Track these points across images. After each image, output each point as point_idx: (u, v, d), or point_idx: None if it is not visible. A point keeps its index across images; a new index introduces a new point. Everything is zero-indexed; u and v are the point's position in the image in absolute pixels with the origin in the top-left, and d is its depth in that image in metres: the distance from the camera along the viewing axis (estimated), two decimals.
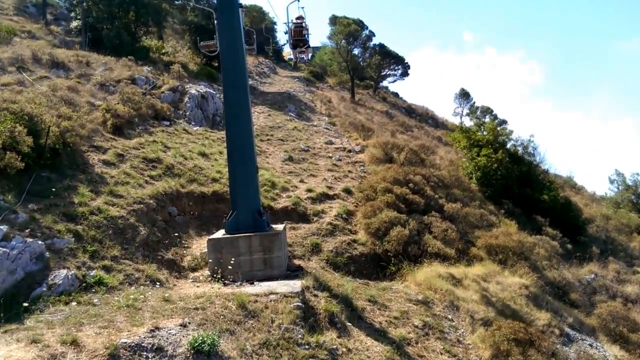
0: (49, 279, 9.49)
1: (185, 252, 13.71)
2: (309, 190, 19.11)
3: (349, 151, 25.56)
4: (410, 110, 59.69)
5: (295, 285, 10.93)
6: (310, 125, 30.33)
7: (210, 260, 12.64)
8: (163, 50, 36.28)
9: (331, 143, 26.44)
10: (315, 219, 17.33)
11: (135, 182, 14.90)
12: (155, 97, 24.79)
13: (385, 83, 64.53)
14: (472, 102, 60.53)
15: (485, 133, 25.15)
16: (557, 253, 19.28)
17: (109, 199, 13.20)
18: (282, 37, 71.89)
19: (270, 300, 9.75)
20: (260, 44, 59.29)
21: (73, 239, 10.98)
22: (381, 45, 56.60)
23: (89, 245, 11.19)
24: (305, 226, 16.85)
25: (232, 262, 12.32)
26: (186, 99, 25.66)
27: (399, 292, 13.40)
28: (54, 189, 12.36)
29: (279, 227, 14.37)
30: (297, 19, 28.26)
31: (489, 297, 13.45)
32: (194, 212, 16.02)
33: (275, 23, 62.42)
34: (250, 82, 44.33)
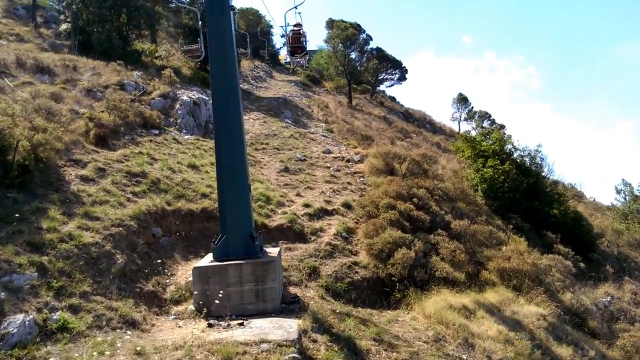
0: (1, 327, 7.93)
1: (168, 281, 12.16)
2: (306, 205, 17.61)
3: (348, 161, 24.07)
4: (408, 115, 58.28)
5: (291, 328, 9.41)
6: (307, 132, 28.84)
7: (196, 293, 11.11)
8: (156, 54, 34.73)
9: (329, 152, 24.94)
10: (312, 238, 15.82)
11: (116, 201, 13.35)
12: (144, 104, 23.24)
13: (382, 87, 63.24)
14: (471, 107, 59.14)
15: (490, 143, 23.69)
16: (570, 273, 17.83)
17: (83, 222, 11.64)
18: (278, 41, 70.46)
19: (262, 352, 8.21)
20: (256, 47, 57.87)
21: (36, 273, 9.41)
22: (378, 49, 55.16)
23: (55, 281, 9.63)
24: (302, 246, 15.34)
25: (220, 294, 10.82)
26: (177, 106, 24.11)
27: (406, 327, 11.91)
28: (18, 214, 10.79)
29: (274, 251, 12.87)
30: (294, 26, 27.34)
31: (506, 332, 11.96)
32: (181, 232, 14.47)
33: (271, 26, 60.90)
34: (246, 86, 42.83)
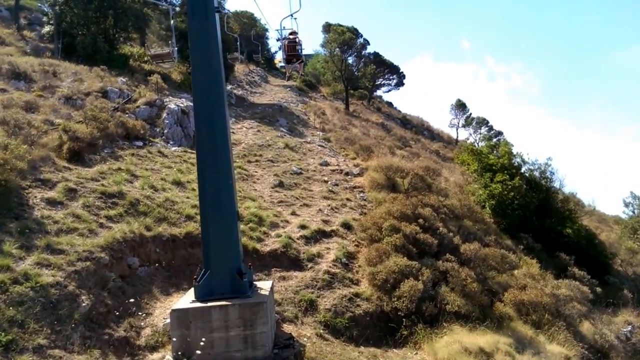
0: None
1: (143, 323, 10.49)
2: (302, 227, 15.98)
3: (347, 174, 22.46)
4: (406, 122, 56.79)
5: None
6: (303, 142, 27.21)
7: (175, 339, 9.48)
8: (145, 58, 33.07)
9: (326, 164, 23.31)
10: (309, 265, 14.20)
11: (86, 228, 11.68)
12: (129, 113, 21.57)
13: (379, 92, 61.70)
14: (469, 113, 57.69)
15: (498, 156, 22.11)
16: (587, 300, 16.29)
17: (44, 257, 9.98)
18: (274, 45, 68.87)
19: None
20: (251, 51, 56.22)
21: None
22: (376, 54, 53.62)
23: (4, 334, 7.99)
24: (297, 275, 13.72)
25: (202, 341, 9.21)
26: (164, 115, 22.43)
27: None
28: None
29: (265, 286, 11.24)
30: (290, 34, 26.82)
31: None
32: (162, 261, 12.81)
33: (267, 30, 59.28)
34: (240, 92, 41.18)
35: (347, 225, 16.74)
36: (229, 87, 39.49)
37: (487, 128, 62.11)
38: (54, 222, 11.37)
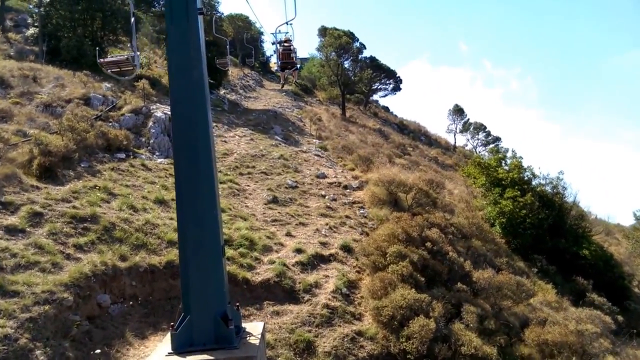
0: None
1: None
2: (298, 251, 14.37)
3: (345, 187, 20.87)
4: (403, 127, 55.28)
5: None
6: (299, 151, 25.62)
7: None
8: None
9: (324, 176, 21.71)
10: (306, 297, 12.58)
11: (49, 261, 10.03)
12: (113, 122, 19.95)
13: (375, 97, 60.13)
14: (467, 118, 56.31)
15: (507, 170, 20.55)
16: (609, 330, 14.77)
17: None
18: (269, 48, 67.26)
19: None
20: (245, 55, 54.52)
21: None
22: (372, 59, 52.01)
23: None
24: (293, 309, 12.10)
25: None
26: (150, 124, 20.79)
27: None
28: None
29: (256, 329, 9.59)
30: (285, 41, 25.85)
31: None
32: (138, 296, 11.17)
33: (262, 33, 57.63)
34: (234, 97, 39.52)
35: (347, 248, 15.16)
36: (222, 91, 37.86)
37: (484, 133, 60.81)
38: (12, 256, 9.72)
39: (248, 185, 19.43)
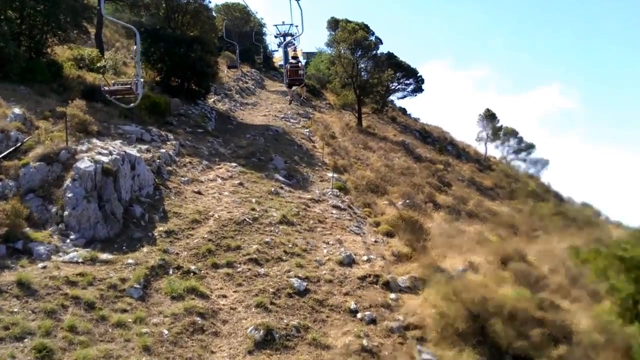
0: None
1: None
2: None
3: (387, 286, 12.29)
4: (425, 134, 46.34)
5: None
6: (308, 201, 17.05)
7: None
8: (99, 64, 22.76)
9: (350, 263, 13.09)
10: None
11: None
12: (5, 179, 11.53)
13: (391, 97, 50.98)
14: (499, 124, 47.41)
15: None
16: None
17: None
18: (272, 42, 58.24)
19: None
20: (244, 50, 45.69)
21: None
22: (390, 55, 42.77)
23: None
24: None
25: None
26: (68, 181, 12.19)
27: None
28: None
29: None
30: (292, 58, 24.13)
31: None
32: None
33: (263, 25, 48.52)
34: (226, 105, 30.63)
35: None
36: (211, 99, 29.13)
37: (516, 140, 51.91)
38: None
39: (223, 296, 10.87)
